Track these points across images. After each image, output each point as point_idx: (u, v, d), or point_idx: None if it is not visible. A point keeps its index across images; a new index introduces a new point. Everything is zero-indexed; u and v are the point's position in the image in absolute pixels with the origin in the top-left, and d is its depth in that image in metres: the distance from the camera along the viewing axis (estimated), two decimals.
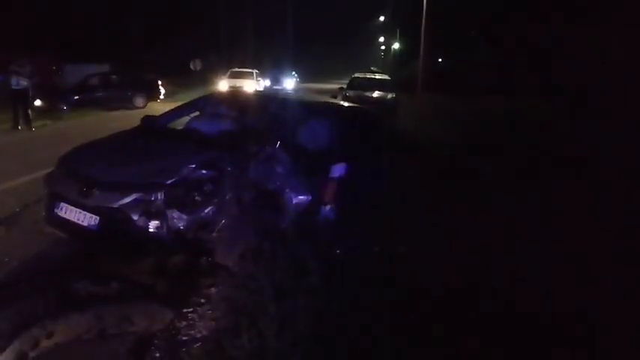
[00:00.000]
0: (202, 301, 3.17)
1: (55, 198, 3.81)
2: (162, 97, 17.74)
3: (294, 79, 33.75)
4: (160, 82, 17.96)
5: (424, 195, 5.21)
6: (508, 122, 12.37)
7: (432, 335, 2.86)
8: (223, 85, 21.84)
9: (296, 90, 27.85)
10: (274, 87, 26.15)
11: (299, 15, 58.73)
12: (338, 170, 4.19)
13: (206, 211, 3.60)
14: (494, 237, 4.34)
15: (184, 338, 2.78)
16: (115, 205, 3.48)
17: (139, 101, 16.60)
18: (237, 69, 24.83)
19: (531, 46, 16.97)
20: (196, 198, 3.59)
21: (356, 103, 8.47)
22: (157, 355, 2.64)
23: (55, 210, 3.75)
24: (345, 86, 16.38)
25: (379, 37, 67.93)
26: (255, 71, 24.32)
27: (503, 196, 5.58)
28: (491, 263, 3.84)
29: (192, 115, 5.39)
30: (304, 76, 45.53)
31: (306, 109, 5.23)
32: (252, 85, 22.28)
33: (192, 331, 2.84)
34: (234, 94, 6.11)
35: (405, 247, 4.03)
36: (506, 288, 3.47)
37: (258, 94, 9.69)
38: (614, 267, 3.72)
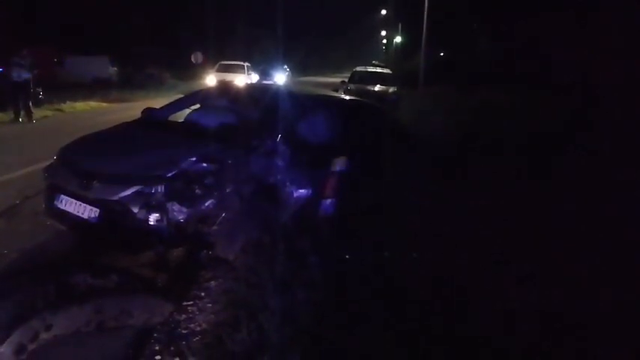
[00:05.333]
0: (202, 294, 3.15)
1: (55, 190, 3.79)
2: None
3: (286, 73, 32.20)
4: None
5: (423, 189, 5.18)
6: (508, 116, 12.31)
7: (431, 333, 2.86)
8: (211, 79, 20.27)
9: (288, 84, 26.49)
10: (263, 82, 24.57)
11: (297, 8, 58.47)
12: (339, 164, 4.16)
13: (206, 204, 3.58)
14: (494, 236, 4.32)
15: (184, 331, 2.77)
16: (115, 198, 3.46)
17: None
18: (226, 62, 23.36)
19: (532, 39, 16.89)
20: (197, 191, 3.57)
21: (358, 96, 8.43)
22: (157, 348, 2.63)
23: (55, 202, 3.74)
24: (346, 80, 16.33)
25: (381, 31, 67.67)
26: (246, 64, 23.16)
27: (503, 196, 5.54)
28: (490, 263, 3.83)
29: (193, 107, 5.36)
30: (302, 70, 44.55)
31: (307, 102, 5.20)
32: (243, 79, 20.64)
33: (192, 325, 2.83)
34: (235, 87, 6.08)
35: (418, 253, 3.98)
36: (505, 288, 3.46)
37: (259, 86, 9.65)
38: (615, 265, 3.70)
